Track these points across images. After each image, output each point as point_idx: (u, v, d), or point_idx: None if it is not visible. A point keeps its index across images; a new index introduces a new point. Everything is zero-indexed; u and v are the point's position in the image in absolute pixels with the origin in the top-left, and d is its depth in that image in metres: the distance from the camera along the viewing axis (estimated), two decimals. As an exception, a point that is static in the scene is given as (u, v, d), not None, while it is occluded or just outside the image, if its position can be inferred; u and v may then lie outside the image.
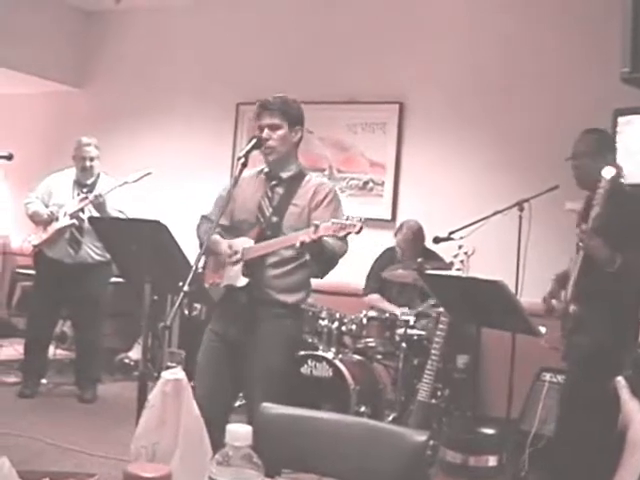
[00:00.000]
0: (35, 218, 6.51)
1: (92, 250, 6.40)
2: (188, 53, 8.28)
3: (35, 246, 6.47)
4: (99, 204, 6.22)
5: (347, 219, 3.45)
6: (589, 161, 4.34)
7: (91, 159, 6.53)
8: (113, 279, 6.79)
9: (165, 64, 8.40)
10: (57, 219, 6.34)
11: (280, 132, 3.87)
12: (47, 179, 6.71)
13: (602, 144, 4.43)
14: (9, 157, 5.37)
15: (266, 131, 3.86)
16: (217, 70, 8.08)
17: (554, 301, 4.42)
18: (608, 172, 4.12)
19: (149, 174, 6.22)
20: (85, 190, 6.49)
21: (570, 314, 4.23)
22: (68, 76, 8.84)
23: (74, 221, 6.29)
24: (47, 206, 6.47)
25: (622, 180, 4.37)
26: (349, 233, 3.44)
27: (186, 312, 6.97)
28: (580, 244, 4.19)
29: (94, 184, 6.56)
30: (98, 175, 6.62)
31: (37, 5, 8.34)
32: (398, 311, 5.91)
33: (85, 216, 6.21)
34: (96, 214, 6.24)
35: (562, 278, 4.48)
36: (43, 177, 6.76)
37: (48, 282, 6.53)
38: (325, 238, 3.59)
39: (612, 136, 4.52)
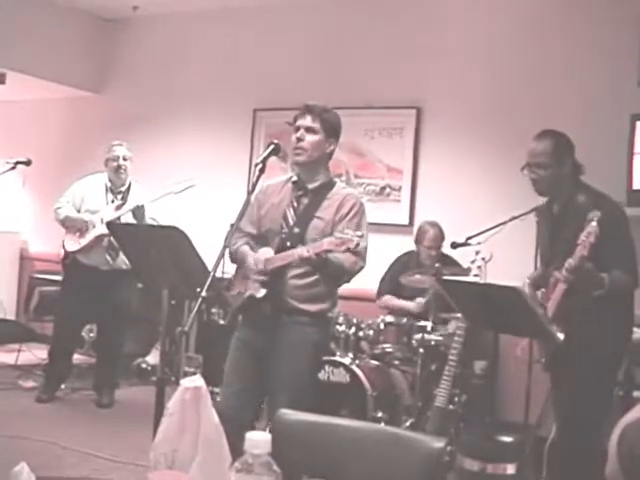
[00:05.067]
0: (67, 223, 6.50)
1: None
2: (205, 59, 8.31)
3: (71, 252, 6.46)
4: (140, 214, 6.27)
5: (349, 233, 3.45)
6: (550, 172, 4.27)
7: (124, 158, 6.55)
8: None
9: (182, 70, 8.42)
10: (94, 226, 6.36)
11: (315, 137, 3.88)
12: (77, 184, 6.68)
13: (560, 149, 4.31)
14: (27, 162, 5.41)
15: (301, 132, 3.87)
16: (234, 76, 8.10)
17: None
18: (595, 215, 3.83)
19: (193, 186, 6.24)
20: (120, 197, 6.53)
21: None
22: (86, 82, 8.89)
23: None
24: (79, 211, 6.47)
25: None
26: (348, 249, 3.44)
27: (204, 317, 6.99)
28: (564, 277, 4.01)
29: (128, 191, 6.60)
30: (130, 183, 6.65)
31: (55, 12, 8.39)
32: (411, 305, 5.94)
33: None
34: (132, 221, 6.29)
35: (535, 281, 4.48)
36: (62, 182, 6.77)
37: (79, 288, 6.48)
38: (331, 254, 3.60)
39: (567, 138, 4.41)
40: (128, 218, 6.34)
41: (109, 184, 6.59)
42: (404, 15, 7.21)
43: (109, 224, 5.58)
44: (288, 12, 7.79)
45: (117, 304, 6.55)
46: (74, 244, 6.43)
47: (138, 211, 6.29)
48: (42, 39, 8.23)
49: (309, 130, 3.88)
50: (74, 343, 6.85)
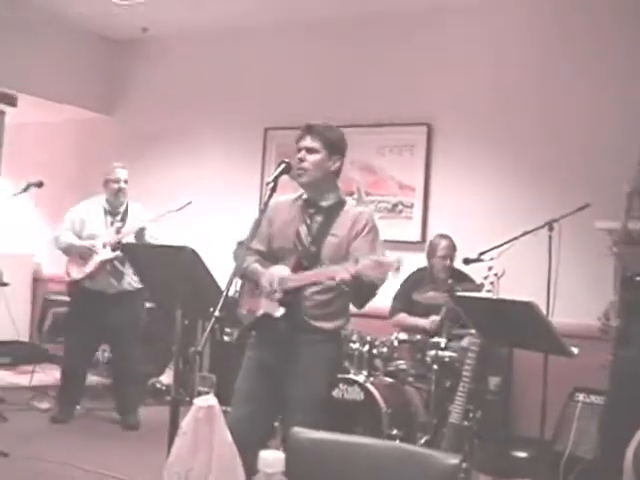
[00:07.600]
0: (70, 251, 6.51)
1: (132, 278, 6.40)
2: (215, 79, 8.34)
3: (77, 281, 6.45)
4: (140, 235, 6.31)
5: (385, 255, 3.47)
6: None
7: (125, 181, 6.57)
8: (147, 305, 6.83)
9: (192, 91, 8.46)
10: (97, 252, 6.37)
11: (316, 157, 3.85)
12: (74, 210, 6.68)
13: None
14: (39, 184, 5.45)
15: (302, 152, 3.85)
16: (245, 95, 8.13)
17: (612, 320, 4.38)
18: None
19: (190, 203, 6.30)
20: (118, 218, 6.54)
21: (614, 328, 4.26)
22: (97, 103, 8.94)
23: (118, 253, 6.29)
24: (80, 237, 6.48)
25: None
26: (387, 272, 3.42)
27: (218, 337, 6.98)
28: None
29: (126, 212, 6.61)
30: (127, 203, 6.67)
31: (65, 34, 8.46)
32: (425, 322, 5.86)
33: None
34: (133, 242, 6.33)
35: None
36: (74, 203, 6.76)
37: (88, 312, 6.47)
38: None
39: None
40: (129, 239, 6.37)
41: (107, 207, 6.61)
42: (414, 34, 7.24)
43: (124, 245, 5.58)
44: (299, 32, 7.83)
45: (127, 324, 6.55)
46: (79, 272, 6.43)
47: (139, 233, 6.33)
48: (52, 61, 8.29)
49: (310, 150, 3.85)
50: (86, 366, 6.82)
